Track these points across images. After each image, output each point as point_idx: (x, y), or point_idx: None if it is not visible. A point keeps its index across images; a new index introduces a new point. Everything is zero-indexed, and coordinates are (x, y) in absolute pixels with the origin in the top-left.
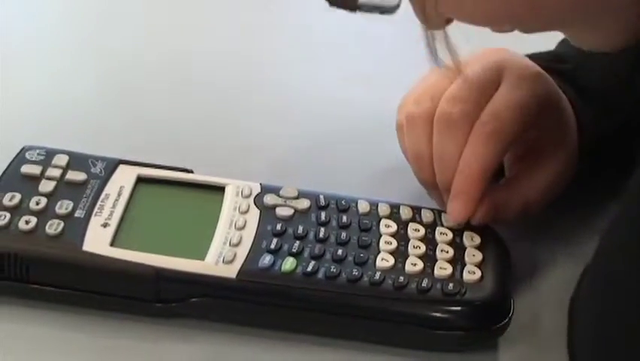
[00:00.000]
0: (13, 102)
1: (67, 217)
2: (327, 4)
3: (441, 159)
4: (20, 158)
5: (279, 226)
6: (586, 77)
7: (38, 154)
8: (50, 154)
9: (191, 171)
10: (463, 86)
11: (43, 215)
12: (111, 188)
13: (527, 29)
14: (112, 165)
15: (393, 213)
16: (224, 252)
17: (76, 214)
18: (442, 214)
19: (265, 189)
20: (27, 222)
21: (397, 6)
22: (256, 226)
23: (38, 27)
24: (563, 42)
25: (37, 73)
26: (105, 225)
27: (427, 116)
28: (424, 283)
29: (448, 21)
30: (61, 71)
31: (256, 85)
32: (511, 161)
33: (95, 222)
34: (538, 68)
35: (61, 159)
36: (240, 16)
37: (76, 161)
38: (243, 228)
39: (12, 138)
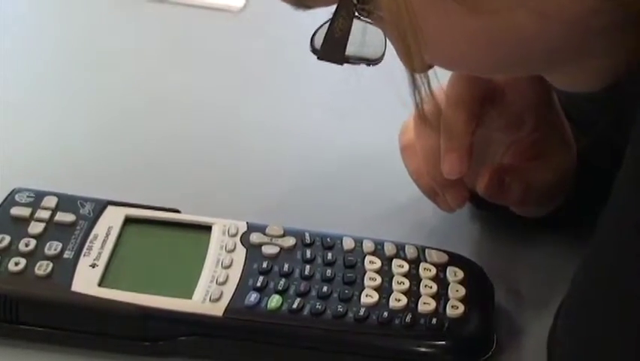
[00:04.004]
0: (4, 145)
1: (56, 258)
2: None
3: (427, 156)
4: (10, 200)
5: (265, 264)
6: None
7: (28, 196)
8: (39, 196)
9: (178, 211)
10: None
11: (33, 256)
12: (99, 229)
13: (512, 75)
14: (100, 206)
15: (378, 250)
16: (210, 290)
17: (65, 255)
18: (426, 250)
19: (251, 228)
20: (16, 264)
21: (382, 57)
22: (242, 264)
23: (28, 70)
24: None
25: (26, 116)
26: (93, 265)
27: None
28: (408, 319)
29: (431, 65)
30: (50, 113)
31: (241, 124)
32: (514, 154)
33: (83, 262)
34: None
35: (51, 201)
36: (225, 56)
37: (65, 202)
38: (229, 266)
39: (2, 180)
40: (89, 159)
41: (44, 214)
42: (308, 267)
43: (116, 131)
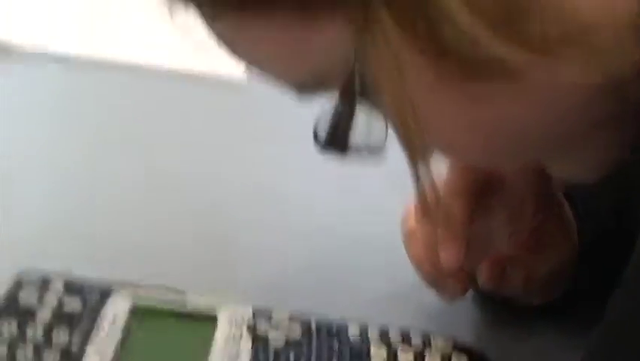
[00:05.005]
0: (9, 222)
1: (63, 349)
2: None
3: (427, 243)
4: (17, 284)
5: (271, 356)
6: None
7: (34, 280)
8: (46, 281)
9: (184, 292)
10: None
11: (40, 346)
12: (105, 318)
13: (509, 166)
14: (106, 292)
15: (383, 337)
16: None
17: (72, 346)
18: (432, 336)
19: (257, 314)
20: (25, 357)
21: (384, 145)
22: (249, 355)
23: (32, 148)
24: None
25: (30, 193)
26: (100, 357)
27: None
28: None
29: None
30: (54, 191)
31: (247, 200)
32: (515, 243)
33: (90, 351)
34: None
35: (57, 285)
36: (228, 131)
37: (71, 288)
38: (236, 358)
39: (6, 256)
40: (93, 237)
41: (51, 301)
42: (314, 357)
43: (120, 210)
